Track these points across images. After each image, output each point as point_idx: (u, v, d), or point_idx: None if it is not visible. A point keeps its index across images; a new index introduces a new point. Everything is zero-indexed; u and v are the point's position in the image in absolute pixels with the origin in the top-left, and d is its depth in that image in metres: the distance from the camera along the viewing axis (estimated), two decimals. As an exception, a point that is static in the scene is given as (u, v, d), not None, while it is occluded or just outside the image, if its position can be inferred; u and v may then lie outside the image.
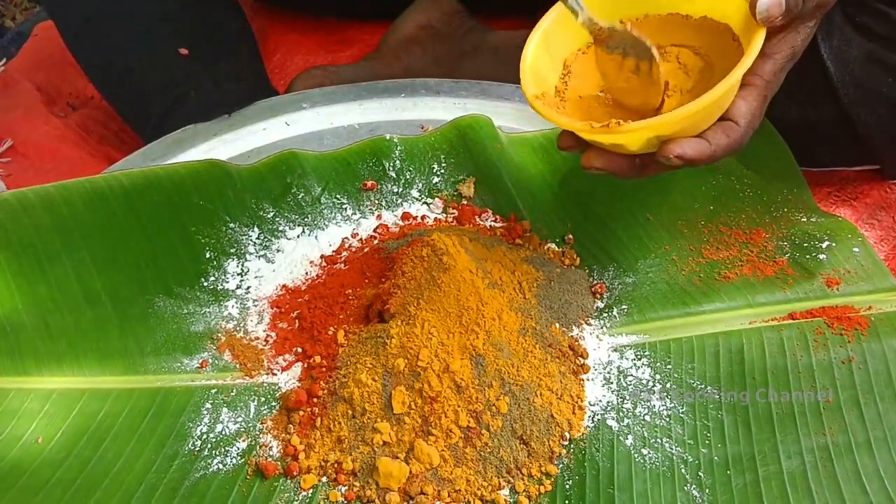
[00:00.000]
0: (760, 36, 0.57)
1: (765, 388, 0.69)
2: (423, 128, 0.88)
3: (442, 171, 0.85)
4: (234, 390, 0.70)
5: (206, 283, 0.77)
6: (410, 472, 0.64)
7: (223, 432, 0.68)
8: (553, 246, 0.80)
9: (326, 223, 0.82)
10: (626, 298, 0.76)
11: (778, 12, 0.57)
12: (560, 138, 0.65)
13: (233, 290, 0.77)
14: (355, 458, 0.65)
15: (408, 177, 0.84)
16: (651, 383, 0.70)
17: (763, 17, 0.57)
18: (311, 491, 0.65)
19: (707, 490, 0.64)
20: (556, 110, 0.62)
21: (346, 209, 0.83)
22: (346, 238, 0.81)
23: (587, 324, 0.74)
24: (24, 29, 1.20)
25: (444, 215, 0.83)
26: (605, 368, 0.71)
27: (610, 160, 0.62)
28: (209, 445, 0.67)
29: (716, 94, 0.56)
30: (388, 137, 0.85)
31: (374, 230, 0.81)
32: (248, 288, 0.77)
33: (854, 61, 0.80)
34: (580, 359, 0.71)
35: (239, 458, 0.67)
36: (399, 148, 0.85)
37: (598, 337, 0.74)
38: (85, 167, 0.97)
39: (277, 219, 0.81)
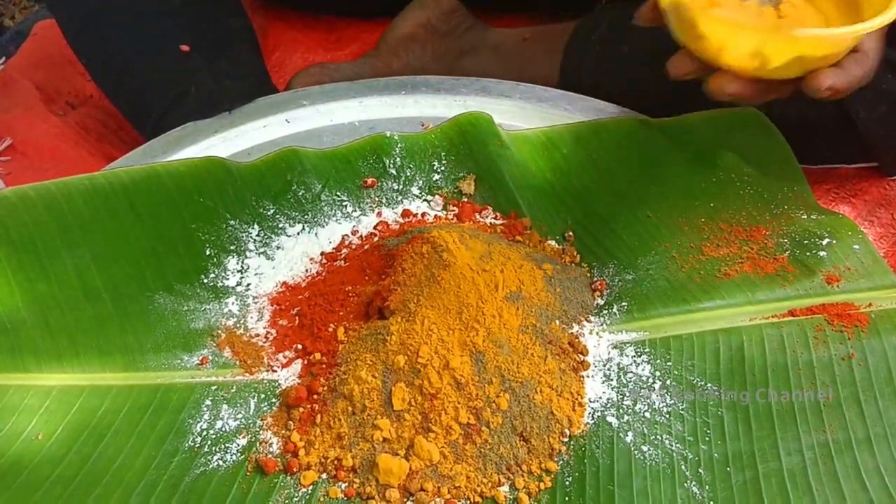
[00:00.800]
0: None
1: (765, 388, 0.69)
2: (423, 125, 0.88)
3: (442, 168, 0.85)
4: (235, 387, 0.70)
5: (206, 280, 0.76)
6: (410, 468, 0.64)
7: (223, 429, 0.68)
8: (553, 243, 0.80)
9: (327, 220, 0.82)
10: (627, 295, 0.76)
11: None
12: (677, 62, 0.65)
13: (233, 287, 0.77)
14: (355, 455, 0.65)
15: (408, 174, 0.84)
16: (651, 380, 0.70)
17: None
18: (311, 487, 0.65)
19: (707, 487, 0.64)
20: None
21: (346, 206, 0.83)
22: (347, 235, 0.81)
23: (587, 321, 0.74)
24: (23, 28, 1.20)
25: (445, 213, 0.83)
26: (605, 365, 0.71)
27: (744, 85, 0.63)
28: (209, 442, 0.67)
29: (877, 23, 0.59)
30: (388, 135, 0.85)
31: (375, 227, 0.81)
32: (249, 285, 0.77)
33: None
34: (580, 356, 0.71)
35: (239, 454, 0.66)
36: (399, 145, 0.85)
37: (598, 334, 0.74)
38: (84, 165, 0.97)
39: (277, 216, 0.81)
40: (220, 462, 0.66)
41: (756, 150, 0.85)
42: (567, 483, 0.65)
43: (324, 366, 0.70)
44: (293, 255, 0.79)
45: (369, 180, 0.84)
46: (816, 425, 0.67)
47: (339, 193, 0.83)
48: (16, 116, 1.03)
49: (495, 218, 0.82)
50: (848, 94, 0.63)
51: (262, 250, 0.79)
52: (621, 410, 0.69)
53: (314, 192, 0.83)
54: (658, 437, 0.67)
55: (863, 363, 0.70)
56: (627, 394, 0.70)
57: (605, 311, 0.75)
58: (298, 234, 0.81)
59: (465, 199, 0.83)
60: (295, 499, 0.64)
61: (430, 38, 1.08)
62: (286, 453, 0.66)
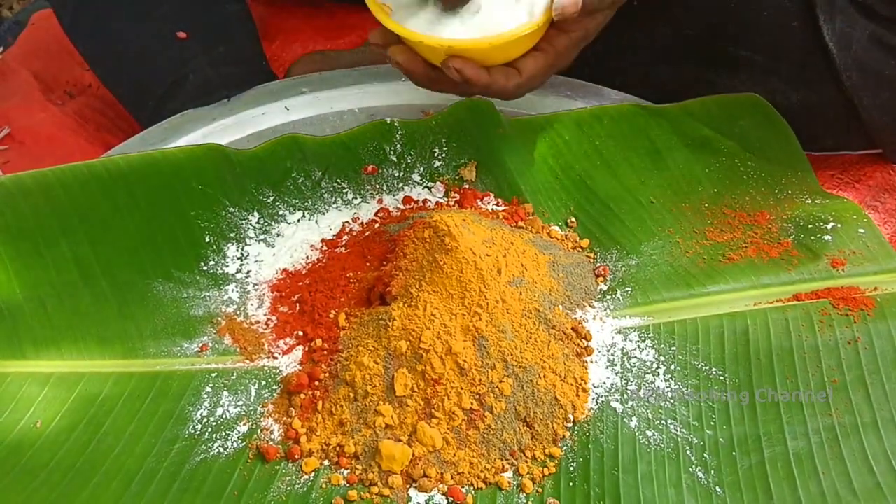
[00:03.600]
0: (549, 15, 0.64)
1: (770, 373, 0.68)
2: (424, 112, 0.87)
3: (443, 154, 0.84)
4: (235, 374, 0.70)
5: (205, 268, 0.76)
6: (413, 454, 0.64)
7: (224, 416, 0.67)
8: (556, 229, 0.80)
9: (327, 207, 0.81)
10: (630, 281, 0.75)
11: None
12: (374, 31, 0.69)
13: (233, 275, 0.76)
14: (357, 441, 0.65)
15: (409, 161, 0.84)
16: (655, 365, 0.70)
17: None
18: (312, 474, 0.64)
19: (712, 471, 0.64)
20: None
21: (346, 193, 0.82)
22: (347, 222, 0.80)
23: (591, 306, 0.74)
24: (21, 18, 1.20)
25: (446, 199, 0.82)
26: (608, 351, 0.71)
27: (411, 60, 0.68)
28: (210, 429, 0.66)
29: (491, 42, 0.63)
30: (388, 121, 0.84)
31: (376, 214, 0.81)
32: (249, 272, 0.76)
33: (857, 43, 0.80)
34: (584, 341, 0.70)
35: (240, 441, 0.66)
36: (400, 132, 0.84)
37: (601, 319, 0.73)
38: (82, 154, 0.97)
39: (277, 203, 0.80)
40: (221, 449, 0.65)
41: (759, 136, 0.84)
42: (571, 468, 0.64)
43: (325, 352, 0.69)
44: (293, 242, 0.78)
45: (370, 167, 0.83)
46: (822, 409, 0.66)
47: (339, 180, 0.83)
48: (14, 105, 1.02)
49: (497, 204, 0.82)
50: (486, 94, 0.69)
51: (262, 237, 0.79)
52: (625, 395, 0.68)
53: (314, 179, 0.82)
54: (663, 421, 0.66)
55: (868, 347, 0.69)
56: (631, 379, 0.69)
57: (609, 297, 0.75)
58: (299, 221, 0.80)
59: (467, 186, 0.83)
60: (297, 486, 0.64)
61: (430, 26, 1.07)
62: (287, 440, 0.66)
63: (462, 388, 0.65)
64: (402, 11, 0.66)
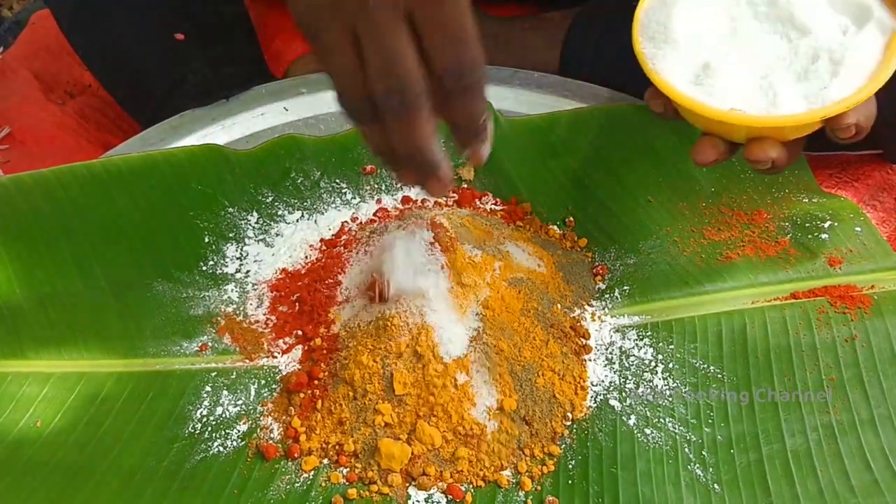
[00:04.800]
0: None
1: (768, 371, 0.69)
2: (422, 112, 0.87)
3: (442, 154, 0.84)
4: (235, 373, 0.70)
5: (205, 268, 0.76)
6: (412, 453, 0.64)
7: (223, 415, 0.67)
8: (554, 228, 0.80)
9: (326, 207, 0.81)
10: (628, 279, 0.76)
11: None
12: (700, 150, 0.63)
13: (232, 274, 0.76)
14: (357, 440, 0.65)
15: (407, 161, 0.84)
16: (653, 363, 0.70)
17: None
18: (312, 473, 0.64)
19: (710, 469, 0.64)
20: None
21: (345, 193, 0.82)
22: (346, 222, 0.80)
23: (589, 305, 0.74)
24: (21, 18, 1.20)
25: (445, 199, 0.82)
26: (607, 349, 0.71)
27: (782, 147, 0.60)
28: (209, 428, 0.67)
29: (891, 71, 0.57)
30: (387, 121, 0.84)
31: (374, 214, 0.81)
32: (248, 272, 0.77)
33: None
34: (582, 339, 0.71)
35: (239, 440, 0.66)
36: (398, 132, 0.84)
37: (600, 318, 0.73)
38: (82, 154, 0.97)
39: (276, 203, 0.81)
40: (221, 448, 0.66)
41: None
42: (570, 466, 0.65)
43: (324, 351, 0.69)
44: (292, 241, 0.79)
45: (368, 167, 0.83)
46: (820, 407, 0.66)
47: (338, 180, 0.83)
48: (14, 105, 1.03)
49: (495, 204, 0.82)
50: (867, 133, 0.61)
51: (261, 237, 0.79)
52: (624, 393, 0.68)
53: (313, 179, 0.82)
54: (661, 419, 0.67)
55: (866, 344, 0.69)
56: (630, 377, 0.69)
57: (607, 296, 0.75)
58: (297, 221, 0.80)
59: (465, 186, 0.83)
60: (296, 484, 0.64)
61: (429, 26, 1.07)
62: (287, 439, 0.66)
63: (461, 387, 0.65)
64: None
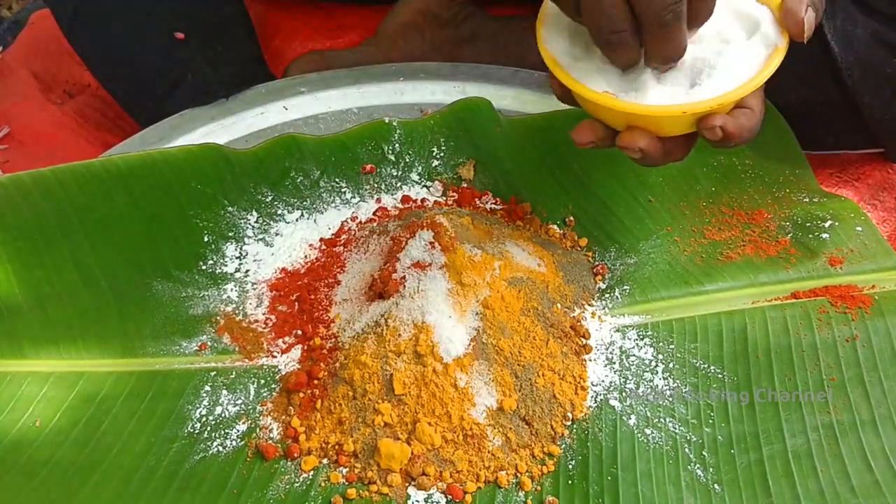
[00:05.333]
0: (787, 40, 0.59)
1: (768, 371, 0.68)
2: (422, 111, 0.87)
3: (441, 154, 0.84)
4: (234, 373, 0.70)
5: (204, 267, 0.76)
6: (412, 453, 0.64)
7: (223, 415, 0.67)
8: (554, 227, 0.80)
9: (325, 207, 0.81)
10: (628, 279, 0.75)
11: (813, 21, 0.60)
12: (580, 131, 0.63)
13: (231, 274, 0.76)
14: (356, 440, 0.65)
15: (407, 160, 0.84)
16: (654, 363, 0.70)
17: (807, 35, 0.59)
18: (311, 473, 0.64)
19: (711, 469, 0.64)
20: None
21: (345, 193, 0.82)
22: (346, 221, 0.80)
23: (589, 304, 0.74)
24: (20, 18, 1.20)
25: (444, 198, 0.82)
26: (607, 349, 0.71)
27: (651, 142, 0.61)
28: (209, 428, 0.66)
29: (759, 82, 0.58)
30: (387, 121, 0.84)
31: (374, 214, 0.81)
32: (247, 271, 0.76)
33: (858, 41, 0.79)
34: (582, 339, 0.71)
35: (239, 440, 0.66)
36: (398, 131, 0.84)
37: (600, 318, 0.73)
38: (82, 154, 0.96)
39: (276, 202, 0.80)
40: (220, 448, 0.65)
41: (758, 135, 0.84)
42: (570, 466, 0.64)
43: (324, 351, 0.69)
44: (292, 241, 0.78)
45: (368, 166, 0.83)
46: (821, 407, 0.66)
47: (337, 180, 0.83)
48: (13, 105, 1.02)
49: (495, 203, 0.82)
50: (741, 142, 0.61)
51: (260, 237, 0.79)
52: (624, 393, 0.68)
53: (313, 178, 0.82)
54: (661, 419, 0.66)
55: (867, 344, 0.69)
56: (630, 377, 0.69)
57: (607, 295, 0.75)
58: (297, 220, 0.80)
59: (465, 185, 0.83)
60: (296, 484, 0.64)
61: (430, 26, 1.07)
62: (287, 439, 0.66)
63: (460, 387, 0.65)
64: (594, 77, 0.60)
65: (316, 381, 0.68)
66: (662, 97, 0.58)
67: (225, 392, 0.69)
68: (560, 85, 0.62)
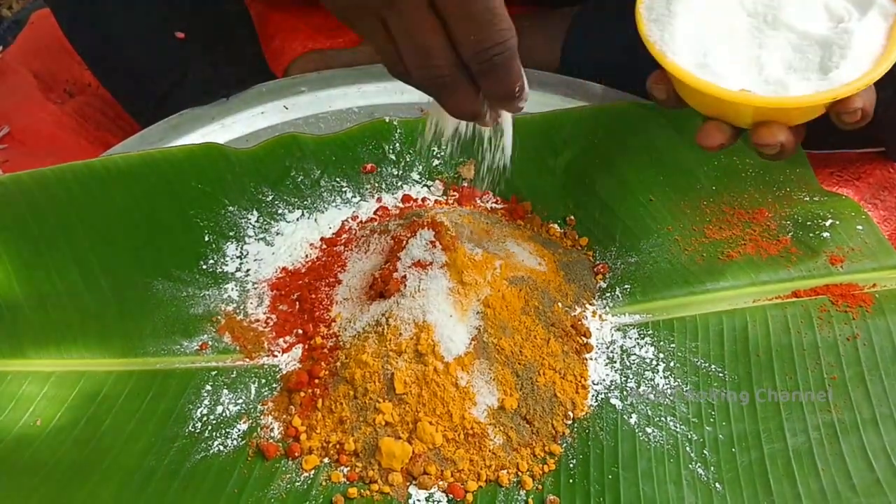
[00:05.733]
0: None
1: (769, 370, 0.68)
2: (422, 110, 0.87)
3: (442, 153, 0.84)
4: (235, 372, 0.70)
5: (205, 266, 0.76)
6: (413, 452, 0.64)
7: (224, 414, 0.67)
8: (555, 227, 0.80)
9: (326, 206, 0.81)
10: (629, 278, 0.75)
11: None
12: (706, 134, 0.63)
13: (232, 273, 0.76)
14: (357, 439, 0.65)
15: (408, 159, 0.84)
16: (655, 362, 0.70)
17: None
18: (312, 472, 0.64)
19: (712, 468, 0.64)
20: None
21: (345, 192, 0.82)
22: (346, 221, 0.80)
23: (590, 303, 0.74)
24: (20, 18, 1.20)
25: (445, 197, 0.82)
26: (608, 348, 0.71)
27: (788, 134, 0.60)
28: (209, 427, 0.66)
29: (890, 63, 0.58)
30: (387, 120, 0.84)
31: (375, 213, 0.81)
32: (248, 271, 0.76)
33: None
34: (583, 338, 0.71)
35: (240, 439, 0.66)
36: (399, 130, 0.84)
37: (601, 317, 0.73)
38: (82, 153, 0.97)
39: (277, 202, 0.81)
40: (221, 447, 0.65)
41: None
42: (571, 465, 0.64)
43: (325, 350, 0.69)
44: (293, 240, 0.78)
45: (368, 166, 0.83)
46: (822, 406, 0.66)
47: (338, 179, 0.83)
48: (14, 104, 1.03)
49: (496, 202, 0.82)
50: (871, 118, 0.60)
51: (261, 236, 0.79)
52: (625, 392, 0.68)
53: (313, 177, 0.82)
54: (662, 418, 0.66)
55: (867, 343, 0.69)
56: (631, 376, 0.69)
57: (608, 294, 0.75)
58: (298, 219, 0.80)
59: (466, 184, 0.83)
60: (297, 483, 0.64)
61: (429, 25, 1.07)
62: (287, 438, 0.66)
63: (461, 386, 0.65)
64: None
65: (317, 381, 0.68)
66: (799, 87, 0.58)
67: (226, 391, 0.69)
68: (667, 90, 0.62)
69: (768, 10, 0.62)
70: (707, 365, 0.69)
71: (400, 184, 0.83)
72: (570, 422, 0.67)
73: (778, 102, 0.58)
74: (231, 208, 0.79)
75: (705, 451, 0.64)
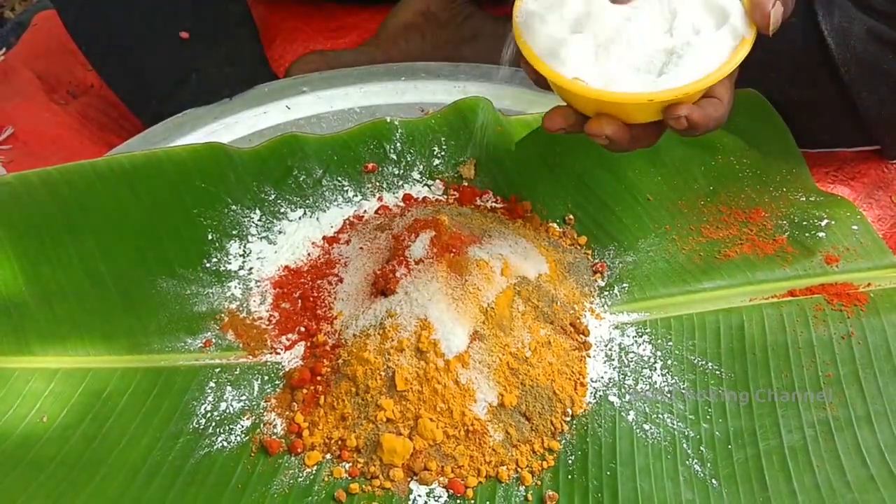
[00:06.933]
0: (754, 32, 0.60)
1: (765, 367, 0.69)
2: (423, 110, 0.88)
3: (442, 153, 0.85)
4: (238, 369, 0.71)
5: (208, 265, 0.77)
6: (414, 448, 0.65)
7: (227, 410, 0.68)
8: (554, 226, 0.80)
9: (328, 205, 0.82)
10: (627, 277, 0.76)
11: (780, 14, 0.60)
12: (551, 117, 0.64)
13: (235, 271, 0.77)
14: (359, 435, 0.66)
15: (408, 159, 0.85)
16: (652, 360, 0.71)
17: (773, 29, 0.60)
18: (315, 468, 0.65)
19: (708, 464, 0.65)
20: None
21: (347, 191, 0.83)
22: (348, 220, 0.81)
23: (588, 302, 0.75)
24: (23, 19, 1.20)
25: (446, 197, 0.83)
26: (606, 346, 0.72)
27: (619, 129, 0.62)
28: (213, 423, 0.67)
29: (724, 73, 0.58)
30: (388, 120, 0.85)
31: (376, 212, 0.82)
32: (251, 269, 0.77)
33: (855, 38, 0.80)
34: (582, 336, 0.71)
35: (243, 435, 0.67)
36: (400, 130, 0.85)
37: (599, 315, 0.74)
38: (85, 154, 0.97)
39: (279, 201, 0.81)
40: (225, 443, 0.66)
41: (755, 133, 0.85)
42: (570, 461, 0.65)
43: (327, 347, 0.70)
44: (295, 239, 0.79)
45: (370, 165, 0.84)
46: (817, 403, 0.67)
47: (340, 178, 0.83)
48: (17, 105, 1.03)
49: (496, 202, 0.83)
50: (706, 131, 0.62)
51: (264, 235, 0.79)
52: (623, 390, 0.69)
53: (315, 177, 0.83)
54: (659, 415, 0.67)
55: (862, 342, 0.70)
56: (629, 373, 0.70)
57: (606, 293, 0.76)
58: (300, 218, 0.81)
59: (466, 184, 0.84)
60: (299, 479, 0.65)
61: (430, 26, 1.08)
62: (290, 434, 0.67)
63: (462, 383, 0.66)
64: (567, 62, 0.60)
65: (319, 378, 0.68)
66: (631, 85, 0.59)
67: (229, 388, 0.69)
68: (534, 70, 0.63)
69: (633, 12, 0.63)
70: (704, 363, 0.70)
71: (401, 183, 0.84)
72: (568, 419, 0.68)
73: (600, 94, 0.59)
74: (234, 207, 0.80)
75: (702, 448, 0.65)
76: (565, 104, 0.64)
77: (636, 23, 0.60)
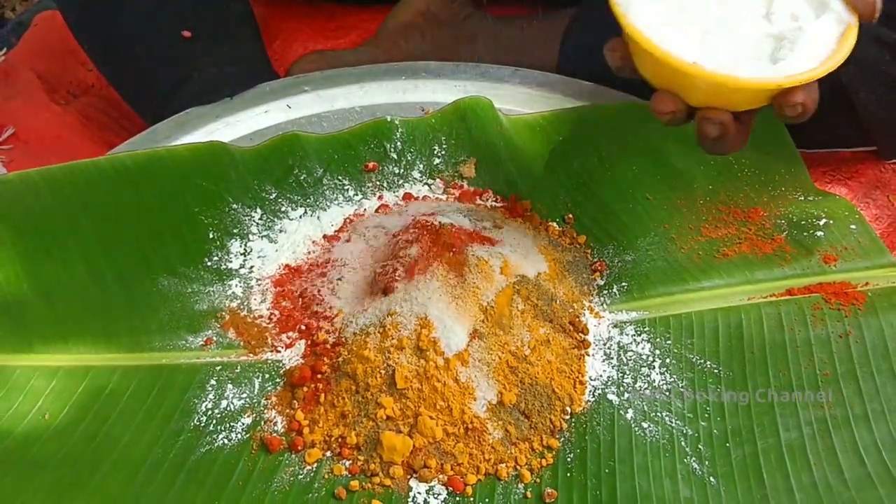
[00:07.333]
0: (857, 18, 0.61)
1: (763, 366, 0.70)
2: (423, 110, 0.89)
3: (443, 152, 0.85)
4: (239, 367, 0.71)
5: (209, 263, 0.77)
6: (414, 445, 0.65)
7: (228, 408, 0.69)
8: (554, 225, 0.81)
9: (328, 204, 0.82)
10: (626, 276, 0.77)
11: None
12: (659, 100, 0.63)
13: (236, 270, 0.77)
14: (359, 433, 0.66)
15: (409, 158, 0.85)
16: (651, 358, 0.71)
17: (877, 15, 0.61)
18: (315, 465, 0.66)
19: (707, 462, 0.65)
20: None
21: (347, 190, 0.83)
22: (348, 218, 0.81)
23: (587, 301, 0.75)
24: (24, 19, 1.20)
25: (446, 196, 0.83)
26: (605, 344, 0.72)
27: (730, 118, 0.62)
28: (214, 421, 0.68)
29: (842, 57, 0.59)
30: (389, 119, 0.85)
31: (376, 210, 0.82)
32: (252, 267, 0.78)
33: None
34: (580, 334, 0.72)
35: (244, 433, 0.67)
36: (400, 130, 0.85)
37: (598, 314, 0.74)
38: (86, 154, 0.97)
39: (280, 200, 0.82)
40: (226, 441, 0.67)
41: (753, 133, 0.85)
42: (569, 459, 0.66)
43: (327, 346, 0.70)
44: (296, 238, 0.80)
45: (370, 164, 0.84)
46: (814, 402, 0.67)
47: (340, 177, 0.84)
48: (18, 105, 1.03)
49: (496, 201, 0.83)
50: (808, 116, 0.62)
51: (264, 233, 0.80)
52: (621, 388, 0.69)
53: (316, 176, 0.83)
54: (658, 413, 0.68)
55: (860, 341, 0.70)
56: (627, 372, 0.70)
57: (605, 292, 0.76)
58: (301, 217, 0.81)
59: (466, 183, 0.84)
60: (300, 476, 0.65)
61: (430, 26, 1.08)
62: (291, 432, 0.67)
63: (461, 381, 0.66)
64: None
65: (319, 376, 0.69)
66: (749, 71, 0.59)
67: (230, 386, 0.70)
68: (622, 57, 0.63)
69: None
70: (702, 361, 0.71)
71: (401, 182, 0.84)
72: (567, 417, 0.68)
73: (725, 80, 0.59)
74: (235, 206, 0.80)
75: (700, 446, 0.66)
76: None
77: (733, 9, 0.61)
